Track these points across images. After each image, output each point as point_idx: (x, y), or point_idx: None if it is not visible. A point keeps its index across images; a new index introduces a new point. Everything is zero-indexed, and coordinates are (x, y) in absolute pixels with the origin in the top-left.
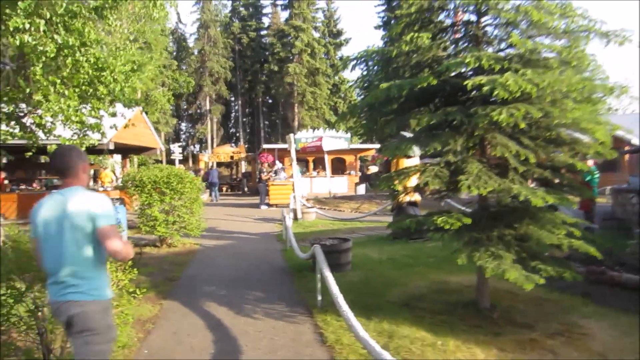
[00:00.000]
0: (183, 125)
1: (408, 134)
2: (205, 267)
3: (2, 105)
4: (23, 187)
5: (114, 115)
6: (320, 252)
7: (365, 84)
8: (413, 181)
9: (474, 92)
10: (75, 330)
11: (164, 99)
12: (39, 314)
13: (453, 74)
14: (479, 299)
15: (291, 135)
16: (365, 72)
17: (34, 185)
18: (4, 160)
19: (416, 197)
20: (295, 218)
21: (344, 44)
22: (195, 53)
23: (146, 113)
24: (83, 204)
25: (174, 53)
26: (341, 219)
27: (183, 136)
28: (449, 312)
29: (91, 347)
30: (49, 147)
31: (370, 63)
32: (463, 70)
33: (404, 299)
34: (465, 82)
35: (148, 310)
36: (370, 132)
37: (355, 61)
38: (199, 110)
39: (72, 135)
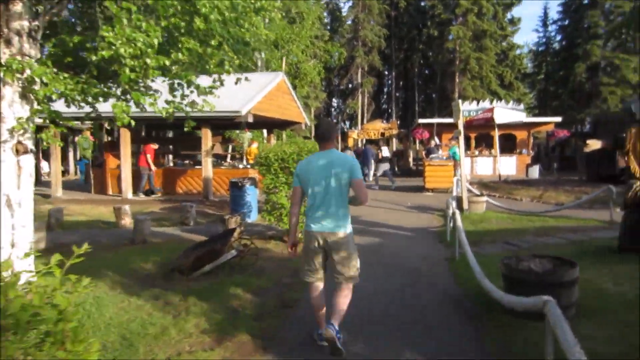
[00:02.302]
0: (334, 102)
1: None
2: None
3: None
4: (187, 162)
5: (220, 65)
6: (559, 316)
7: None
8: None
9: None
10: (335, 252)
11: (314, 71)
12: None
13: None
14: None
15: (458, 101)
16: None
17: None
18: (170, 134)
19: None
20: (460, 209)
21: (515, 3)
22: (349, 22)
23: (294, 87)
24: (344, 160)
25: (328, 26)
26: (522, 212)
27: (334, 112)
28: None
29: (351, 262)
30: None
31: None
32: None
33: None
34: None
35: None
36: None
37: None
38: (349, 85)
39: (179, 102)
